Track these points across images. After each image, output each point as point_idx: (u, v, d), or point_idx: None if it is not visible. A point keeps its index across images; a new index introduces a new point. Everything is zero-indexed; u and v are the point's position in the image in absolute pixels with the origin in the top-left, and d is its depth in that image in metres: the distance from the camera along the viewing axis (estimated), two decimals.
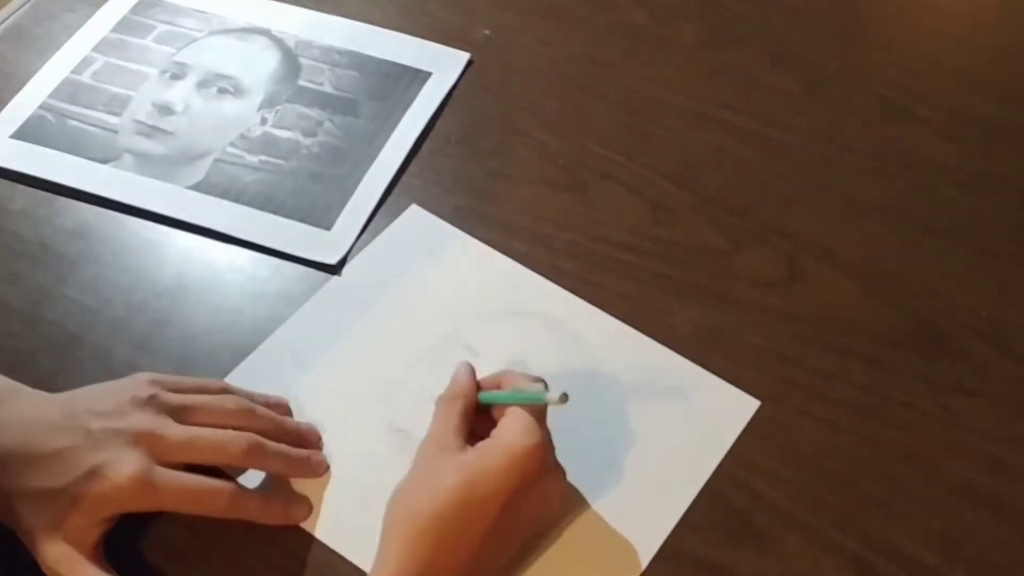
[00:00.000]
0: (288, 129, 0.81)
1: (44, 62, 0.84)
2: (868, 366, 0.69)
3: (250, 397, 0.64)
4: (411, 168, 0.79)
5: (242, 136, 0.80)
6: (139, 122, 0.80)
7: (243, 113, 0.81)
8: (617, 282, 0.72)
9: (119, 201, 0.76)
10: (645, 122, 0.82)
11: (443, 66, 0.85)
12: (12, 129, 0.79)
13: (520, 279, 0.72)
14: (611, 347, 0.69)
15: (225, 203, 0.76)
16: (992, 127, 0.83)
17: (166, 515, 0.60)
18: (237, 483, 0.60)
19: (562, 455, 0.60)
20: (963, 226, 0.76)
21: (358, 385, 0.67)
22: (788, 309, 0.71)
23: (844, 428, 0.66)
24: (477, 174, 0.79)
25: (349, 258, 0.73)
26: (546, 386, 0.59)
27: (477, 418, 0.60)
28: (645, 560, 0.60)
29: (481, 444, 0.57)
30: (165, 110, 0.81)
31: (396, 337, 0.69)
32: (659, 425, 0.65)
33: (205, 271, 0.73)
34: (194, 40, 0.86)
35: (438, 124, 0.82)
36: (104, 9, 0.88)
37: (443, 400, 0.61)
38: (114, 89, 0.82)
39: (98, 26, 0.87)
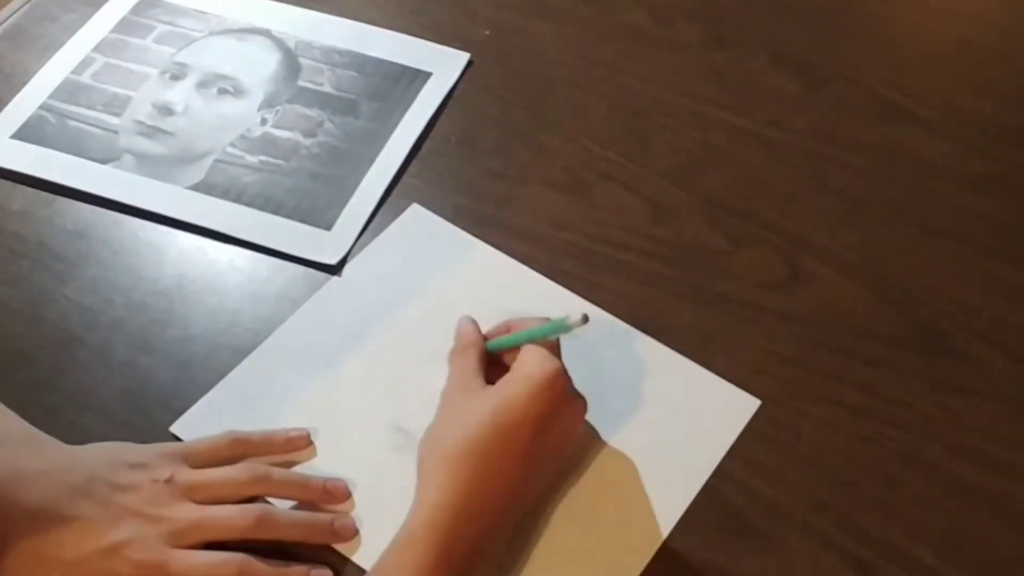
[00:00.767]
0: (288, 129, 0.81)
1: (44, 62, 0.84)
2: (868, 366, 0.69)
3: (267, 439, 0.63)
4: (411, 168, 0.79)
5: (242, 136, 0.80)
6: (139, 122, 0.80)
7: (243, 113, 0.81)
8: (617, 282, 0.72)
9: (119, 201, 0.76)
10: (645, 122, 0.82)
11: (443, 66, 0.85)
12: (12, 129, 0.79)
13: (521, 279, 0.72)
14: (611, 347, 0.69)
15: (225, 203, 0.76)
16: (992, 127, 0.83)
17: None
18: (248, 556, 0.58)
19: None
20: (963, 226, 0.76)
21: (358, 385, 0.67)
22: (788, 309, 0.72)
23: (844, 428, 0.66)
24: (477, 174, 0.79)
25: (349, 258, 0.73)
26: None
27: (489, 367, 0.62)
28: (645, 560, 0.60)
29: (502, 379, 0.59)
30: (165, 110, 0.81)
31: (397, 336, 0.69)
32: (659, 425, 0.65)
33: (205, 271, 0.73)
34: (194, 40, 0.86)
35: (438, 124, 0.82)
36: (104, 10, 0.88)
37: (454, 352, 0.63)
38: (114, 89, 0.82)
39: (98, 26, 0.87)
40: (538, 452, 0.58)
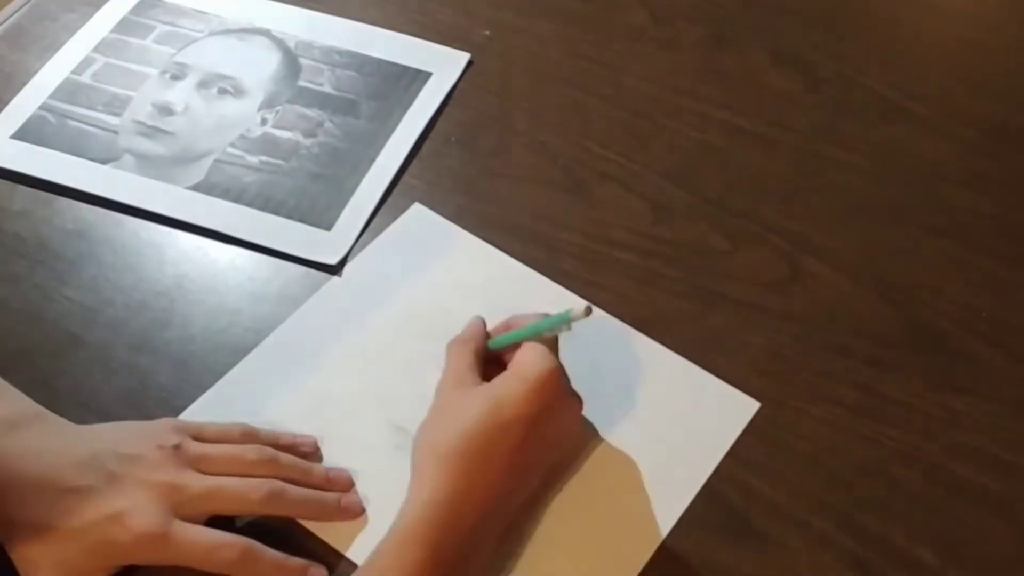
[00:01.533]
0: (288, 129, 0.81)
1: (44, 62, 0.84)
2: (868, 366, 0.69)
3: (275, 438, 0.63)
4: (411, 168, 0.79)
5: (242, 136, 0.80)
6: (139, 122, 0.80)
7: (243, 113, 0.81)
8: (617, 282, 0.72)
9: (119, 201, 0.76)
10: (645, 122, 0.82)
11: (443, 66, 0.85)
12: (12, 129, 0.79)
13: (522, 278, 0.72)
14: (611, 347, 0.69)
15: (225, 203, 0.76)
16: (992, 127, 0.83)
17: None
18: (252, 540, 0.58)
19: None
20: (963, 226, 0.76)
21: (358, 384, 0.67)
22: (788, 309, 0.71)
23: (844, 428, 0.66)
24: (477, 174, 0.79)
25: (350, 258, 0.73)
26: None
27: (488, 367, 0.62)
28: (645, 560, 0.60)
29: (498, 376, 0.59)
30: (165, 110, 0.81)
31: (397, 336, 0.69)
32: (659, 425, 0.65)
33: (205, 271, 0.73)
34: (194, 41, 0.86)
35: (438, 124, 0.82)
36: (104, 10, 0.88)
37: (454, 343, 0.63)
38: (114, 89, 0.82)
39: (98, 27, 0.87)
40: (532, 450, 0.58)
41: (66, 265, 0.73)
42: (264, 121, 0.81)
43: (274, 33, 0.87)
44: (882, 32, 0.91)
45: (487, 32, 0.88)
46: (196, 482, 0.58)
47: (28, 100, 0.81)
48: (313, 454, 0.64)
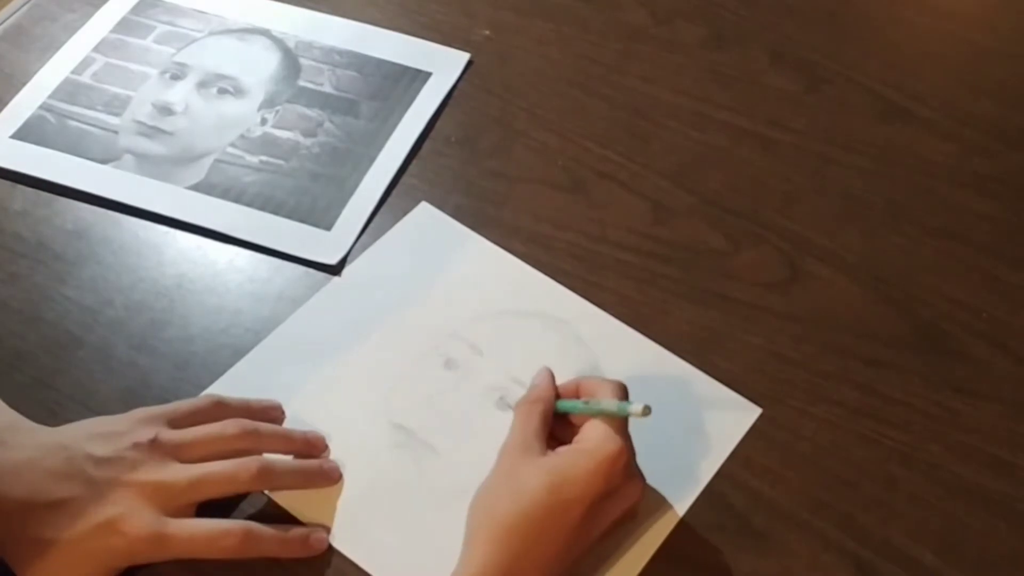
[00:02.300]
0: (288, 129, 0.81)
1: (44, 62, 0.84)
2: (868, 366, 0.69)
3: (245, 404, 0.63)
4: (411, 168, 0.79)
5: (242, 136, 0.80)
6: (139, 122, 0.80)
7: (243, 113, 0.81)
8: (617, 282, 0.72)
9: (119, 201, 0.76)
10: (645, 122, 0.82)
11: (443, 66, 0.85)
12: (12, 129, 0.79)
13: (525, 279, 0.72)
14: (613, 350, 0.69)
15: (225, 203, 0.76)
16: (992, 127, 0.83)
17: None
18: (250, 521, 0.59)
19: None
20: (963, 226, 0.76)
21: (359, 384, 0.67)
22: (788, 309, 0.71)
23: (844, 428, 0.66)
24: (477, 174, 0.79)
25: (352, 257, 0.73)
26: (626, 394, 0.60)
27: (555, 424, 0.60)
28: (645, 560, 0.60)
29: (564, 448, 0.58)
30: (165, 110, 0.81)
31: (398, 336, 0.69)
32: (659, 428, 0.65)
33: (205, 271, 0.73)
34: (194, 40, 0.86)
35: (438, 124, 0.82)
36: (104, 9, 0.88)
37: (523, 403, 0.61)
38: (114, 89, 0.82)
39: (98, 26, 0.87)
40: (587, 530, 0.57)
41: (66, 265, 0.73)
42: (264, 121, 0.81)
43: (274, 33, 0.87)
44: (882, 32, 0.91)
45: (487, 32, 0.88)
46: (181, 475, 0.58)
47: (28, 100, 0.81)
48: (281, 418, 0.64)
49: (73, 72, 0.83)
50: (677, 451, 0.64)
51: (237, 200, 0.76)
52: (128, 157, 0.78)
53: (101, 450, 0.58)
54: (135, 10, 0.88)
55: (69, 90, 0.82)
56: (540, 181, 0.78)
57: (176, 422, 0.61)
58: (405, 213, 0.76)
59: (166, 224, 0.75)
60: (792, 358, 0.69)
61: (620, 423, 0.58)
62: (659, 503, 0.62)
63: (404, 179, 0.78)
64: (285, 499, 0.61)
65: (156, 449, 0.58)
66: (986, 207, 0.78)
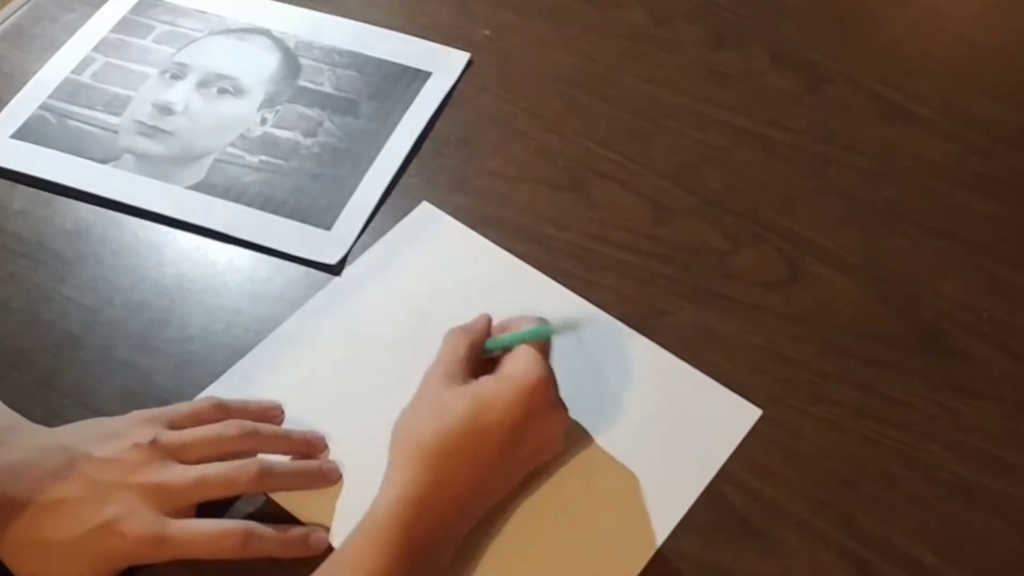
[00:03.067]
0: (288, 129, 0.81)
1: (44, 62, 0.84)
2: (868, 366, 0.69)
3: (244, 406, 0.63)
4: (411, 168, 0.79)
5: (242, 136, 0.80)
6: (139, 122, 0.80)
7: (243, 113, 0.81)
8: (617, 282, 0.72)
9: (119, 201, 0.76)
10: (645, 122, 0.82)
11: (443, 66, 0.85)
12: (12, 129, 0.79)
13: (526, 279, 0.72)
14: (614, 351, 0.69)
15: (225, 203, 0.76)
16: (992, 127, 0.83)
17: None
18: (250, 521, 0.59)
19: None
20: (963, 226, 0.76)
21: (359, 384, 0.67)
22: (788, 309, 0.72)
23: (844, 428, 0.66)
24: (477, 174, 0.79)
25: (352, 257, 0.73)
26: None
27: (484, 366, 0.61)
28: (645, 560, 0.60)
29: (487, 376, 0.59)
30: (165, 110, 0.81)
31: (399, 335, 0.69)
32: (659, 429, 0.65)
33: (205, 271, 0.73)
34: (194, 40, 0.86)
35: (438, 124, 0.82)
36: (104, 9, 0.88)
37: (453, 331, 0.62)
38: (114, 89, 0.82)
39: (98, 26, 0.87)
40: (511, 455, 0.58)
41: (66, 265, 0.73)
42: (264, 121, 0.81)
43: (274, 33, 0.87)
44: (882, 32, 0.91)
45: (487, 32, 0.88)
46: (181, 476, 0.58)
47: (28, 100, 0.81)
48: (280, 418, 0.64)
49: (73, 72, 0.83)
50: (677, 452, 0.64)
51: (237, 200, 0.76)
52: (128, 157, 0.78)
53: (101, 451, 0.58)
54: (135, 10, 0.88)
55: (69, 90, 0.82)
56: (540, 181, 0.78)
57: (176, 423, 0.61)
58: (405, 213, 0.76)
59: (166, 224, 0.75)
60: (792, 358, 0.69)
61: (543, 352, 0.60)
62: (659, 507, 0.62)
63: (404, 179, 0.78)
64: (285, 499, 0.61)
65: (156, 450, 0.58)
66: (986, 207, 0.78)
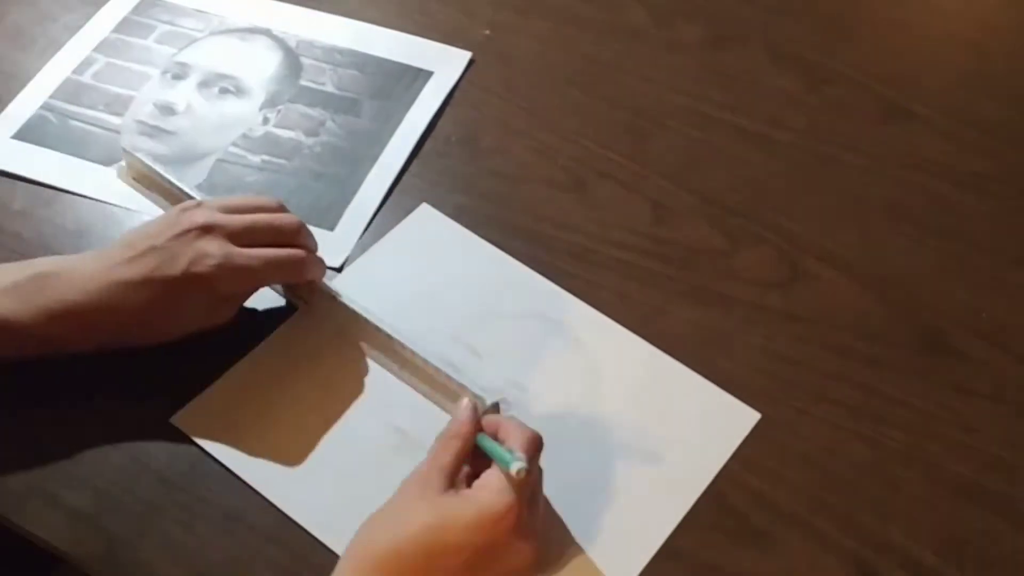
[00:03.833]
0: (290, 129, 0.81)
1: (45, 62, 0.84)
2: (868, 366, 0.69)
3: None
4: (412, 168, 0.79)
5: (244, 136, 0.80)
6: (141, 122, 0.80)
7: (245, 113, 0.81)
8: (617, 282, 0.72)
9: (119, 202, 0.76)
10: (645, 122, 0.82)
11: (444, 65, 0.85)
12: (13, 129, 0.79)
13: (525, 281, 0.72)
14: (613, 354, 0.69)
15: None
16: (992, 127, 0.83)
17: (169, 516, 0.61)
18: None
19: (562, 455, 0.60)
20: (963, 226, 0.77)
21: (358, 385, 0.67)
22: (788, 309, 0.72)
23: (844, 428, 0.66)
24: (477, 173, 0.79)
25: (352, 257, 0.73)
26: (539, 448, 0.57)
27: (477, 459, 0.58)
28: (645, 560, 0.60)
29: (460, 492, 0.56)
30: (167, 110, 0.81)
31: (399, 336, 0.69)
32: (660, 430, 0.65)
33: None
34: (195, 40, 0.86)
35: (439, 124, 0.82)
36: (105, 10, 0.88)
37: (440, 438, 0.59)
38: (116, 89, 0.82)
39: (99, 26, 0.87)
40: None
41: None
42: (266, 120, 0.81)
43: (275, 33, 0.87)
44: (882, 32, 0.91)
45: (487, 32, 0.88)
46: (235, 221, 0.64)
47: (29, 100, 0.81)
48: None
49: (74, 72, 0.83)
50: (678, 454, 0.64)
51: None
52: None
53: (160, 238, 0.63)
54: (136, 10, 0.88)
55: (70, 90, 0.82)
56: (540, 181, 0.78)
57: (233, 210, 0.66)
58: (406, 213, 0.76)
59: None
60: (792, 358, 0.69)
61: (519, 479, 0.54)
62: (659, 509, 0.62)
63: (405, 178, 0.78)
64: (285, 502, 0.62)
65: (210, 231, 0.63)
66: (986, 207, 0.78)
